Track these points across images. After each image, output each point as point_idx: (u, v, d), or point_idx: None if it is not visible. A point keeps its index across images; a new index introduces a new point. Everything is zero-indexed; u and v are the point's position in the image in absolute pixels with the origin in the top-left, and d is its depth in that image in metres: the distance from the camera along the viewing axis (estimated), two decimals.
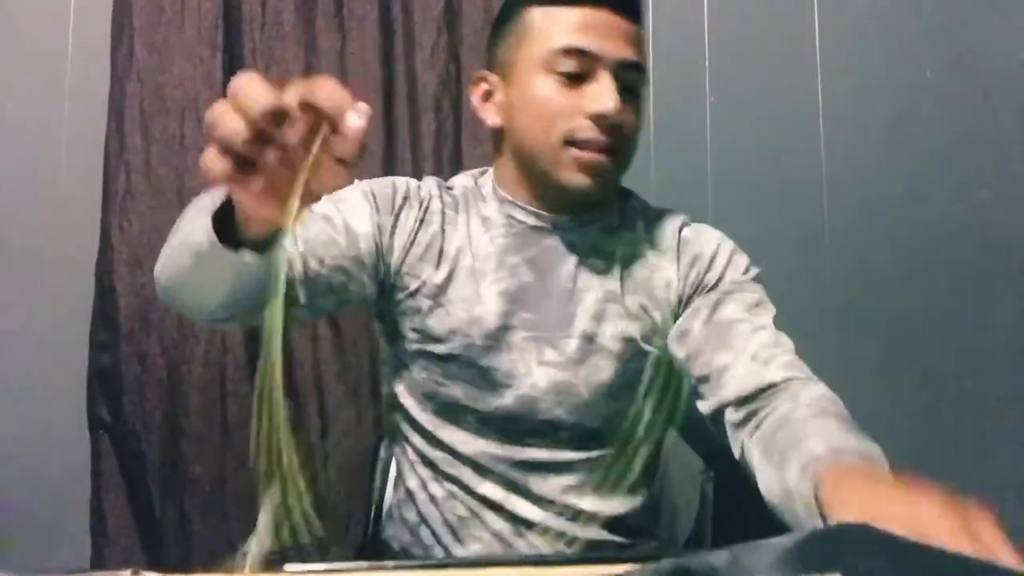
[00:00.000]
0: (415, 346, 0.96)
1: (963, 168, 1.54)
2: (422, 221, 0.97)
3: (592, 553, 0.98)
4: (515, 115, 0.94)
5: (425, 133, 1.57)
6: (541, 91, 0.90)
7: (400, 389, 1.00)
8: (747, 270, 0.98)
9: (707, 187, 1.57)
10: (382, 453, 1.17)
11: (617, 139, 0.90)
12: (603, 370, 0.95)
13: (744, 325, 0.90)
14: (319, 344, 1.54)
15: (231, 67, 1.58)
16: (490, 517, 0.97)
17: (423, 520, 1.00)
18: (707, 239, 0.99)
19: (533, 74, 0.91)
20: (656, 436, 1.01)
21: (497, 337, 0.94)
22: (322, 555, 1.48)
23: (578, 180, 0.90)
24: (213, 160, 0.56)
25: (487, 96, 0.97)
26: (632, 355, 0.95)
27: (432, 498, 0.99)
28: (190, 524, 1.51)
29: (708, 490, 1.13)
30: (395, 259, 0.96)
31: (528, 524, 0.97)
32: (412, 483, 1.02)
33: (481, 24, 1.58)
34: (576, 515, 0.98)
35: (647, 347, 0.95)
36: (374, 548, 1.08)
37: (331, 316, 1.53)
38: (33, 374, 1.59)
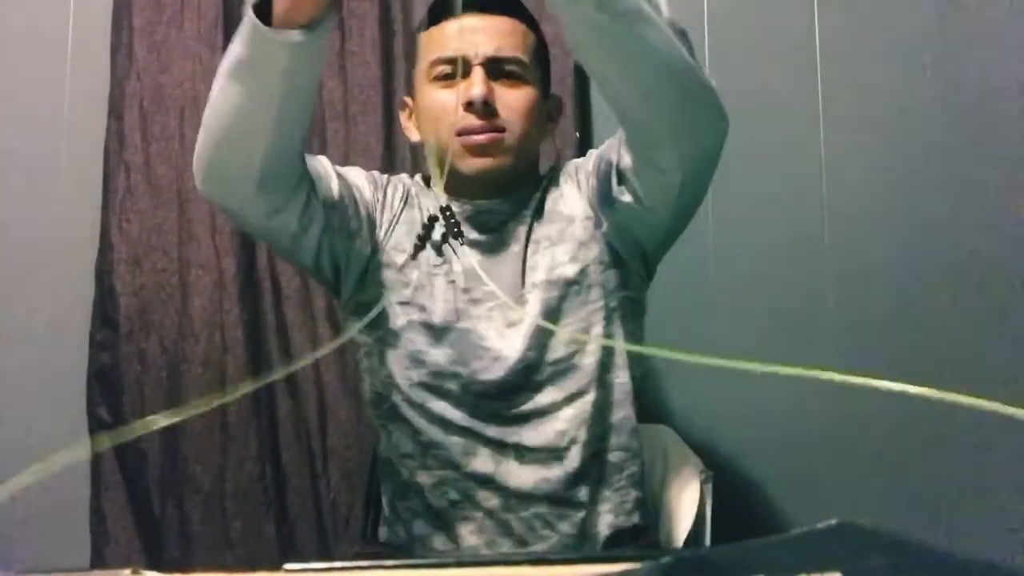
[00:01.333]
0: (402, 320, 1.04)
1: (964, 168, 1.54)
2: (406, 203, 1.09)
3: (592, 552, 0.98)
4: (421, 125, 1.07)
5: None
6: (427, 98, 1.04)
7: (390, 370, 1.05)
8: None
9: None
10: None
11: (505, 118, 1.01)
12: (560, 299, 1.03)
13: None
14: (319, 344, 1.54)
15: None
16: (481, 495, 1.00)
17: (415, 513, 1.03)
18: (582, 158, 1.14)
19: (422, 86, 1.05)
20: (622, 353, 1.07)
21: (467, 308, 1.03)
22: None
23: (471, 165, 1.02)
24: None
25: (409, 117, 1.12)
26: (578, 272, 1.03)
27: (421, 488, 1.02)
28: (190, 524, 1.51)
29: (708, 490, 1.13)
30: (381, 234, 1.07)
31: (519, 496, 1.00)
32: (402, 477, 1.04)
33: None
34: (569, 477, 1.01)
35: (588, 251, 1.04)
36: (373, 547, 1.08)
37: (330, 314, 1.53)
38: (33, 374, 1.59)
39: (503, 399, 1.01)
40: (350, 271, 1.06)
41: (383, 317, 1.05)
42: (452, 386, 1.02)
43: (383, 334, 1.05)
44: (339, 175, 1.06)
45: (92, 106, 1.60)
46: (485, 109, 1.00)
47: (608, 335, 1.04)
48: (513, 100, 1.02)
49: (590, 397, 1.02)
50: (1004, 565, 0.40)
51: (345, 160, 1.56)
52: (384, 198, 1.09)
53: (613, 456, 1.04)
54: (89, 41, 1.63)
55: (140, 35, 1.60)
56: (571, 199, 1.08)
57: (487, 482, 1.00)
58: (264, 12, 0.82)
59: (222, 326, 1.54)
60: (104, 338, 1.55)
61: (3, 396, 1.59)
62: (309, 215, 1.00)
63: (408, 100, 1.12)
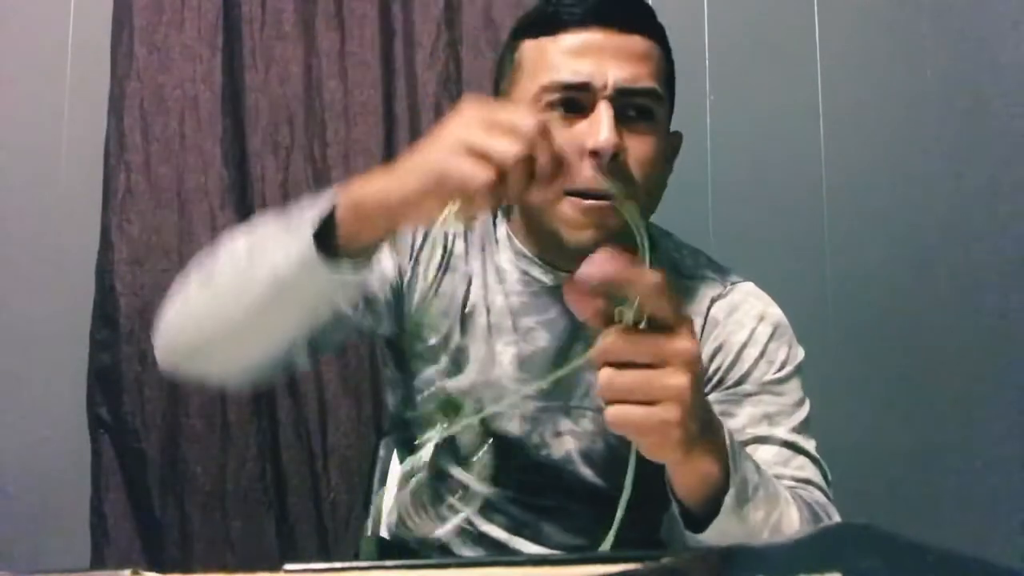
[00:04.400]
0: (435, 387, 0.90)
1: (964, 169, 1.54)
2: (446, 268, 0.90)
3: (592, 552, 0.98)
4: None
5: (425, 132, 1.57)
6: None
7: (413, 418, 0.93)
8: (782, 366, 0.86)
9: (707, 187, 1.57)
10: (381, 453, 1.17)
11: (633, 174, 0.78)
12: (620, 450, 0.85)
13: (746, 441, 0.80)
14: None
15: (231, 67, 1.58)
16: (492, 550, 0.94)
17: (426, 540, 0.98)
18: (739, 322, 0.87)
19: None
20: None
21: (519, 402, 0.87)
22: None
23: (580, 236, 0.78)
24: (474, 169, 0.61)
25: None
26: None
27: (438, 520, 0.96)
28: (190, 524, 1.51)
29: None
30: (414, 305, 0.90)
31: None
32: (423, 500, 0.97)
33: (481, 24, 1.58)
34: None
35: None
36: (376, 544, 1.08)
37: None
38: (33, 374, 1.59)
39: (532, 490, 0.89)
40: (375, 339, 0.94)
41: (412, 370, 0.92)
42: (484, 462, 0.89)
43: (414, 382, 0.93)
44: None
45: (92, 106, 1.60)
46: (613, 163, 0.76)
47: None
48: (643, 150, 0.79)
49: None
50: (1002, 565, 0.40)
51: (345, 160, 1.56)
52: (415, 268, 0.90)
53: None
54: (89, 41, 1.63)
55: (140, 35, 1.60)
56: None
57: (499, 547, 0.91)
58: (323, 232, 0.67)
59: None
60: (104, 338, 1.55)
61: (3, 396, 1.59)
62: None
63: None
